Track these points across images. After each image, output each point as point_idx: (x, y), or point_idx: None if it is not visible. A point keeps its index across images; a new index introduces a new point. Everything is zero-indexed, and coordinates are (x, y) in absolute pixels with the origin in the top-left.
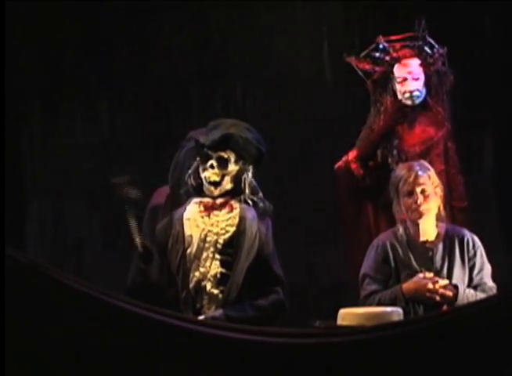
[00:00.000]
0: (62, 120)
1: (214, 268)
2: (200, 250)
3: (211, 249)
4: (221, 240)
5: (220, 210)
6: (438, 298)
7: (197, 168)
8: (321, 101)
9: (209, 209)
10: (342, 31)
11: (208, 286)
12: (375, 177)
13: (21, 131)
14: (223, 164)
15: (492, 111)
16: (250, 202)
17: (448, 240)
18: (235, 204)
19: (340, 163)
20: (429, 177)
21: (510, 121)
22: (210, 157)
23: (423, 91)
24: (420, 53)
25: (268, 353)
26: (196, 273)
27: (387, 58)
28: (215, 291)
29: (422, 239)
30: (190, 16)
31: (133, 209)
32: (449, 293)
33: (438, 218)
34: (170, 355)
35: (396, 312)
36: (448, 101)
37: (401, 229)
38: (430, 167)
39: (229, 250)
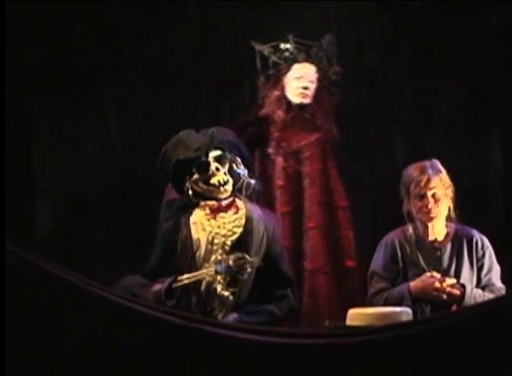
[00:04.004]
0: (69, 120)
1: None
2: (209, 253)
3: (219, 251)
4: (228, 242)
5: (226, 212)
6: (444, 296)
7: (192, 187)
8: None
9: (215, 211)
10: (349, 32)
11: (218, 288)
12: None
13: (28, 132)
14: (222, 159)
15: (501, 110)
16: (251, 181)
17: (457, 240)
18: (240, 204)
19: None
20: (440, 179)
21: None
22: (209, 163)
23: (312, 95)
24: (319, 62)
25: (279, 354)
26: (207, 276)
27: (291, 56)
28: (226, 293)
29: (431, 238)
30: (198, 16)
31: None
32: (456, 292)
33: (448, 218)
34: (179, 355)
35: (405, 312)
36: (330, 113)
37: (410, 229)
38: (441, 168)
39: (237, 251)
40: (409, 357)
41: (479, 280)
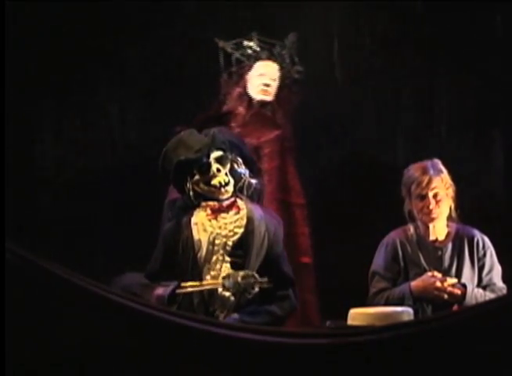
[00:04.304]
0: (72, 117)
1: (225, 270)
2: (210, 253)
3: (221, 252)
4: (230, 243)
5: (227, 212)
6: (445, 296)
7: (193, 187)
8: (331, 100)
9: (216, 212)
10: (352, 31)
11: (220, 289)
12: None
13: (31, 128)
14: (224, 160)
15: (502, 110)
16: (252, 181)
17: (458, 240)
18: (242, 205)
19: None
20: (441, 180)
21: None
22: (210, 164)
23: (273, 93)
24: (281, 61)
25: (280, 354)
26: (208, 277)
27: (254, 54)
28: (227, 294)
29: (432, 238)
30: (201, 15)
31: None
32: (457, 291)
33: (449, 218)
34: (181, 355)
35: (406, 312)
36: (290, 113)
37: (411, 228)
38: (443, 168)
39: (239, 251)
40: (410, 357)
41: (480, 279)
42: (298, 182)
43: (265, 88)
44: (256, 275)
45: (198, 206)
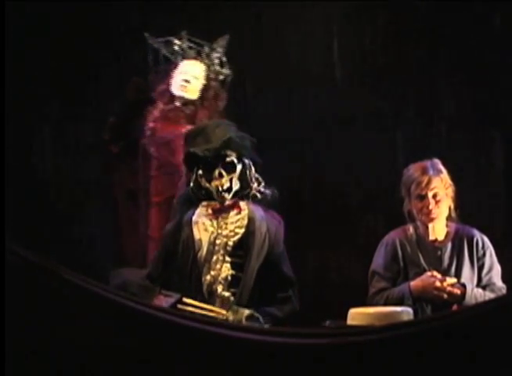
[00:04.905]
0: (75, 119)
1: (225, 270)
2: (210, 253)
3: (221, 252)
4: (230, 243)
5: (228, 212)
6: (445, 296)
7: (196, 179)
8: (330, 99)
9: (217, 212)
10: (352, 31)
11: (219, 289)
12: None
13: (34, 130)
14: (230, 168)
15: (502, 110)
16: (258, 195)
17: (458, 239)
18: (243, 205)
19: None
20: (441, 180)
21: None
22: (215, 166)
23: (196, 91)
24: (209, 63)
25: (280, 354)
26: (208, 277)
27: (181, 52)
28: (227, 294)
29: (431, 238)
30: (200, 15)
31: None
32: (457, 291)
33: (449, 218)
34: (181, 355)
35: (406, 312)
36: (215, 114)
37: (411, 228)
38: (442, 168)
39: (239, 252)
40: (410, 357)
41: (480, 279)
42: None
43: (185, 83)
44: (261, 318)
45: (199, 201)
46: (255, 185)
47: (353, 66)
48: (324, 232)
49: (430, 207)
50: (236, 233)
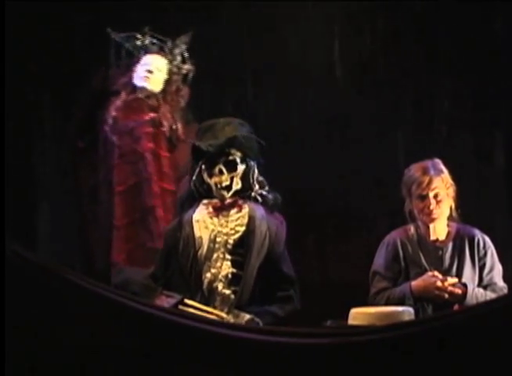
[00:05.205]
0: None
1: (226, 268)
2: (211, 251)
3: (222, 250)
4: (231, 241)
5: (229, 210)
6: (446, 296)
7: (200, 172)
8: (330, 99)
9: (218, 210)
10: (352, 31)
11: (220, 287)
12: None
13: (31, 131)
14: (232, 166)
15: (503, 109)
16: (259, 198)
17: (459, 239)
18: (244, 203)
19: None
20: (442, 180)
21: None
22: (217, 162)
23: (158, 83)
24: (172, 58)
25: (281, 353)
26: (208, 275)
27: (144, 47)
28: (227, 292)
29: (432, 238)
30: (202, 15)
31: None
32: (458, 291)
33: (450, 218)
34: (182, 355)
35: (407, 312)
36: (177, 108)
37: (412, 228)
38: (443, 168)
39: (240, 250)
40: (411, 357)
41: (481, 279)
42: (171, 169)
43: (148, 74)
44: (261, 323)
45: (200, 198)
46: (257, 187)
47: (353, 66)
48: (324, 232)
49: (432, 207)
50: (237, 231)
